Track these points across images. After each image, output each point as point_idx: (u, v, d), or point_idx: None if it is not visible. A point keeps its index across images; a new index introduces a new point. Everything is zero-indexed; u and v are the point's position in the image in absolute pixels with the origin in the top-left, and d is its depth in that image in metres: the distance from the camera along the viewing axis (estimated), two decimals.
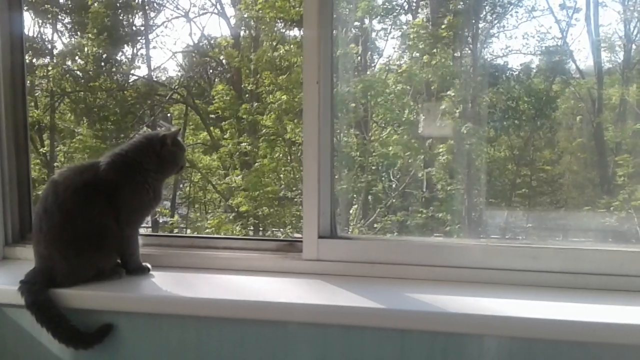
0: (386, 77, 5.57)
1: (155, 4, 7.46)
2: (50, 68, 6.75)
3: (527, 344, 1.31)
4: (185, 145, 1.67)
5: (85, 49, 6.69)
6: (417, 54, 5.47)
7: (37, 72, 6.61)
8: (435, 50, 5.29)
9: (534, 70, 5.62)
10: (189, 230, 7.02)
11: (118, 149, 1.59)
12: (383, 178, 5.55)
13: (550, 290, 1.47)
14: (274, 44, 6.49)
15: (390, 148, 5.33)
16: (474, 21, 5.58)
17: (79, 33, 7.08)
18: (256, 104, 6.42)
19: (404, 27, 5.94)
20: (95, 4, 6.65)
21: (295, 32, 6.39)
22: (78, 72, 6.94)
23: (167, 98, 7.21)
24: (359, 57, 5.85)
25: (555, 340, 1.29)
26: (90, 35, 6.58)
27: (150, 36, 7.48)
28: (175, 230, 6.55)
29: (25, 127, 1.88)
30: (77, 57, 6.92)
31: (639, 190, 4.62)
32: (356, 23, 5.70)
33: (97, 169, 1.53)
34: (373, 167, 5.54)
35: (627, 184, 4.70)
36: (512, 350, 1.32)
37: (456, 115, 5.03)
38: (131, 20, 7.49)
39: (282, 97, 5.93)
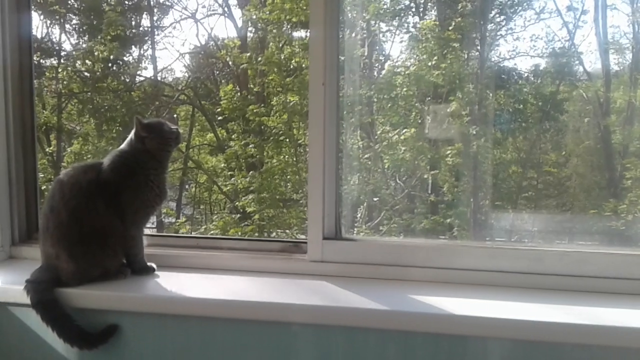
0: (393, 79, 5.55)
1: (163, 6, 7.49)
2: (60, 69, 6.79)
3: (531, 346, 1.31)
4: (172, 127, 1.62)
5: (96, 53, 6.71)
6: (425, 56, 5.46)
7: (46, 73, 6.64)
8: (445, 52, 5.29)
9: (542, 73, 5.60)
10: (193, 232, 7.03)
11: (117, 150, 1.59)
12: (389, 180, 5.54)
13: (555, 293, 1.46)
14: (281, 45, 6.50)
15: (397, 150, 5.33)
16: (482, 23, 5.57)
17: (87, 35, 7.11)
18: (262, 105, 6.43)
19: (412, 29, 5.93)
20: (110, 11, 6.68)
21: (303, 34, 6.40)
22: (86, 73, 6.96)
23: (174, 99, 7.23)
24: (366, 59, 5.84)
25: (560, 343, 1.29)
26: (103, 40, 6.61)
27: (158, 37, 7.52)
28: (182, 231, 6.57)
29: (32, 128, 1.89)
30: (86, 59, 6.95)
31: None
32: (363, 24, 5.69)
33: (99, 169, 1.54)
34: (379, 170, 5.53)
35: (634, 187, 4.68)
36: (515, 352, 1.32)
37: (463, 118, 5.02)
38: (139, 21, 7.53)
39: (293, 98, 5.93)
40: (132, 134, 1.59)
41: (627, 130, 5.02)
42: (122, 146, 1.60)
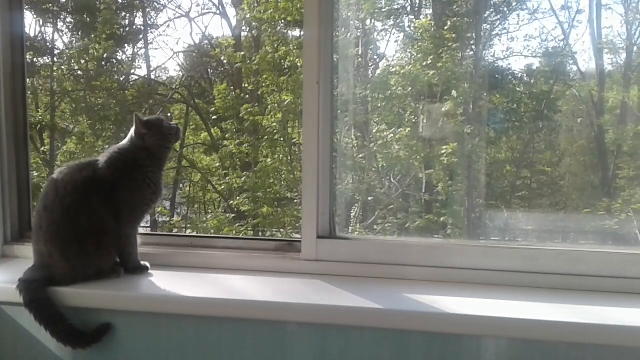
0: (387, 78, 5.56)
1: (156, 4, 7.47)
2: (53, 68, 6.76)
3: (525, 345, 1.31)
4: (171, 123, 1.64)
5: (90, 51, 6.69)
6: (420, 55, 5.46)
7: (40, 71, 6.62)
8: (440, 51, 5.29)
9: (535, 72, 5.62)
10: (188, 230, 7.01)
11: (114, 147, 1.59)
12: (383, 179, 5.54)
13: (549, 292, 1.47)
14: (276, 45, 6.49)
15: (391, 149, 5.33)
16: (476, 23, 5.57)
17: (80, 32, 7.08)
18: (256, 104, 6.42)
19: (407, 28, 5.93)
20: (104, 10, 6.65)
21: (297, 33, 6.39)
22: (79, 72, 6.94)
23: (167, 98, 7.21)
24: (360, 58, 5.84)
25: (553, 341, 1.29)
26: (97, 39, 6.59)
27: (152, 36, 7.50)
28: (175, 230, 6.55)
29: (25, 127, 1.88)
30: (79, 58, 6.92)
31: (639, 193, 4.61)
32: (358, 24, 5.69)
33: (95, 167, 1.53)
34: (373, 169, 5.53)
35: (627, 187, 4.70)
36: (510, 351, 1.32)
37: (457, 117, 5.03)
38: (132, 19, 7.50)
39: (287, 97, 5.93)
40: (131, 132, 1.59)
41: (621, 129, 5.04)
42: (122, 143, 1.60)
